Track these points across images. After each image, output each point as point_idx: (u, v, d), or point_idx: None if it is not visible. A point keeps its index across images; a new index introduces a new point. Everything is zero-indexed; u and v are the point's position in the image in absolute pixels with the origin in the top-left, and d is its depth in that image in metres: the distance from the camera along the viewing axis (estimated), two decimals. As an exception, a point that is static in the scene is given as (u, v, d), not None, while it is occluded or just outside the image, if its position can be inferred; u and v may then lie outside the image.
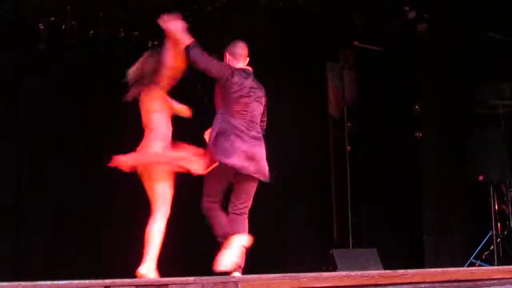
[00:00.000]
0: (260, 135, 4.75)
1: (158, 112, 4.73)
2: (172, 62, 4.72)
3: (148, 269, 4.57)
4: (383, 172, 8.19)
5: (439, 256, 7.33)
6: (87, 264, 6.60)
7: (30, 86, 6.86)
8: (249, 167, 4.60)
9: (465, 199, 7.48)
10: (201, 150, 4.73)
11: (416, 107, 8.14)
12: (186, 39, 4.64)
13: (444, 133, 7.61)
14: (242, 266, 4.57)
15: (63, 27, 6.83)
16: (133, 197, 4.78)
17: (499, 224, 7.20)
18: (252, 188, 4.71)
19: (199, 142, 4.80)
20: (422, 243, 7.54)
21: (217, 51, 4.95)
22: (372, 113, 8.46)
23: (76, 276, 3.40)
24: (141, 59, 4.85)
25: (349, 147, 8.62)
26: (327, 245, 7.73)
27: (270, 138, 4.94)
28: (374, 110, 8.42)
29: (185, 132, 4.82)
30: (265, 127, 4.86)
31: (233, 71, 4.67)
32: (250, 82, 4.72)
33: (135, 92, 4.77)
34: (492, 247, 6.99)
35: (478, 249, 7.02)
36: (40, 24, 6.73)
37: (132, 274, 4.54)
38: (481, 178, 7.17)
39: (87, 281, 3.08)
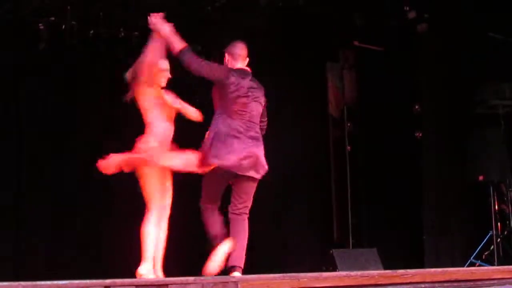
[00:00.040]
0: (258, 135, 4.74)
1: (151, 110, 4.72)
2: (150, 59, 4.69)
3: (147, 269, 4.57)
4: (383, 172, 8.20)
5: (439, 256, 7.33)
6: (87, 264, 6.60)
7: (30, 86, 6.86)
8: (246, 168, 4.59)
9: (465, 199, 7.49)
10: (196, 152, 4.71)
11: (416, 107, 8.14)
12: (179, 44, 4.65)
13: (444, 133, 7.61)
14: (242, 266, 4.57)
15: (63, 27, 6.83)
16: (133, 197, 4.77)
17: (499, 224, 7.20)
18: (251, 188, 4.71)
19: (198, 142, 4.80)
20: (422, 243, 7.54)
21: (217, 51, 4.95)
22: (372, 113, 8.46)
23: (76, 276, 3.40)
24: (137, 59, 4.86)
25: (349, 147, 8.62)
26: (327, 245, 7.73)
27: (270, 138, 4.93)
28: (374, 110, 8.42)
29: (184, 132, 4.82)
30: (266, 127, 4.86)
31: (228, 71, 4.67)
32: (248, 82, 4.71)
33: (132, 92, 4.77)
34: (492, 247, 6.99)
35: (478, 249, 7.02)
36: (40, 24, 6.74)
37: (132, 274, 4.55)
38: (481, 178, 7.17)
39: (87, 281, 3.08)
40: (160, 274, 4.66)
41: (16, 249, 6.60)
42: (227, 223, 4.71)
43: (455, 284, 3.84)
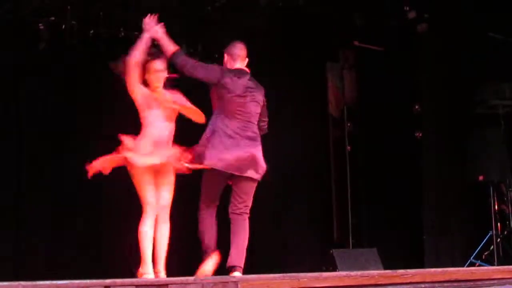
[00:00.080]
0: (256, 135, 4.73)
1: (144, 110, 4.69)
2: (137, 58, 4.67)
3: (147, 269, 4.57)
4: (383, 172, 8.19)
5: (439, 256, 7.33)
6: (87, 264, 6.60)
7: (30, 86, 6.86)
8: (243, 168, 4.60)
9: (465, 199, 7.49)
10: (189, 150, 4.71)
11: (416, 107, 8.14)
12: (171, 47, 4.66)
13: (444, 133, 7.61)
14: (243, 266, 4.57)
15: (63, 27, 6.83)
16: (133, 197, 4.76)
17: (499, 224, 7.20)
18: (251, 188, 4.70)
19: (198, 142, 4.79)
20: (422, 243, 7.54)
21: (217, 51, 4.95)
22: (372, 113, 8.46)
23: (76, 276, 3.40)
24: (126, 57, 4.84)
25: (349, 147, 8.62)
26: (327, 245, 7.73)
27: (270, 138, 4.93)
28: (374, 110, 8.42)
29: (183, 132, 4.82)
30: (266, 127, 4.86)
31: (223, 72, 4.67)
32: (245, 82, 4.71)
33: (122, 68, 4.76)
34: (492, 247, 6.99)
35: (478, 249, 7.02)
36: (40, 24, 6.73)
37: (132, 274, 4.54)
38: (481, 178, 7.17)
39: (87, 281, 3.08)
40: (162, 274, 4.64)
41: (16, 249, 6.60)
42: (227, 223, 4.71)
43: (455, 284, 3.84)
